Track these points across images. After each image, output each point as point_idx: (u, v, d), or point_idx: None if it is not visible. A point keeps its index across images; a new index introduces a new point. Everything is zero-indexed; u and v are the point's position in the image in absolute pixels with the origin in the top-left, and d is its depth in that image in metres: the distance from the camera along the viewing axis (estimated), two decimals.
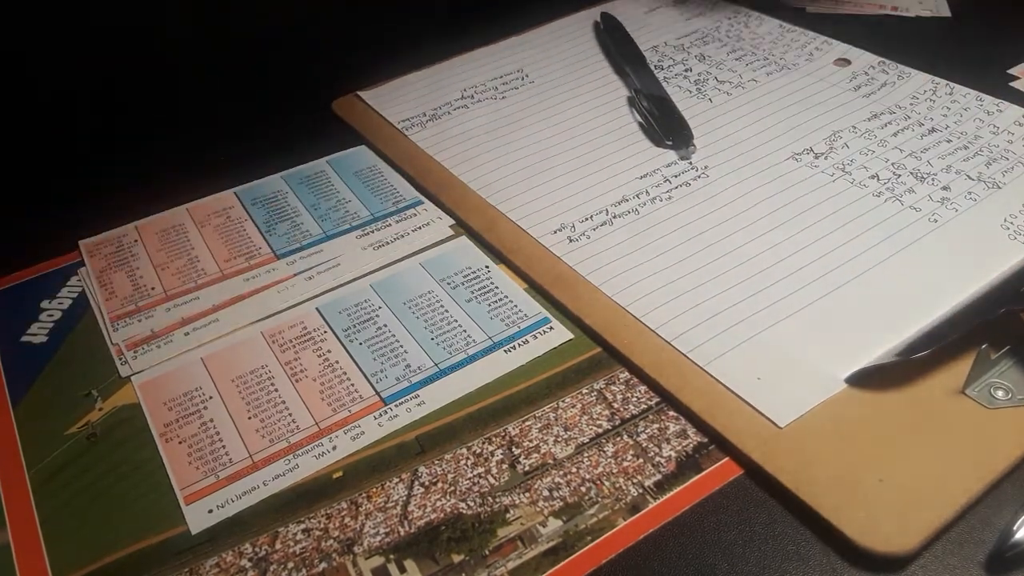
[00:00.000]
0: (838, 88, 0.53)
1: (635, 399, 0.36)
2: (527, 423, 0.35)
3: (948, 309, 0.37)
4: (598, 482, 0.33)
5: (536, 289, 0.41)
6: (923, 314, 0.37)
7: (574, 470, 0.33)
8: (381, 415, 0.36)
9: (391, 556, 0.31)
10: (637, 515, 0.31)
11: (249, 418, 0.36)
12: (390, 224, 0.46)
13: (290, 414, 0.36)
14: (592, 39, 0.61)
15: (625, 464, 0.33)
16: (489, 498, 0.32)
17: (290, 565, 0.31)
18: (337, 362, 0.38)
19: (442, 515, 0.32)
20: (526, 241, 0.43)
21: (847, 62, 0.55)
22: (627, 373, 0.37)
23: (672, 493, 0.32)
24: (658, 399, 0.36)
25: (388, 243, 0.45)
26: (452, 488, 0.33)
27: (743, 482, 0.32)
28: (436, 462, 0.34)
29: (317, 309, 0.41)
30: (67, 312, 0.42)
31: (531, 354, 0.38)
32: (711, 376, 0.35)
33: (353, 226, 0.46)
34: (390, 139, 0.52)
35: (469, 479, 0.33)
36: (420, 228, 0.46)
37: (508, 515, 0.32)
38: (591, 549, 0.30)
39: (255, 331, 0.40)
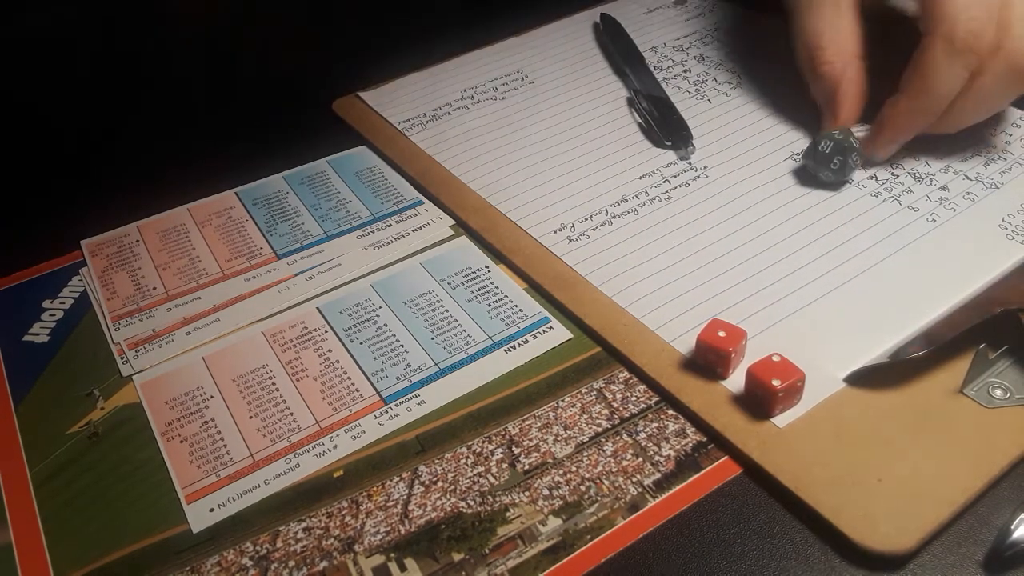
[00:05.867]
0: None
1: (634, 398, 0.36)
2: (527, 422, 0.35)
3: (946, 309, 0.37)
4: (598, 481, 0.33)
5: (536, 289, 0.41)
6: (921, 314, 0.37)
7: (574, 469, 0.33)
8: (382, 414, 0.36)
9: (392, 555, 0.31)
10: (636, 514, 0.31)
11: (250, 417, 0.36)
12: (390, 224, 0.46)
13: (291, 413, 0.36)
14: (592, 40, 0.61)
15: (624, 463, 0.33)
16: (489, 497, 0.33)
17: (291, 564, 0.31)
18: (338, 361, 0.38)
19: (442, 514, 0.32)
20: (526, 241, 0.43)
21: None
22: (626, 373, 0.37)
23: (671, 492, 0.32)
24: (657, 398, 0.36)
25: (388, 243, 0.45)
26: (452, 487, 0.33)
27: (742, 481, 0.32)
28: (436, 461, 0.34)
29: (318, 309, 0.41)
30: (69, 312, 0.42)
31: (531, 354, 0.38)
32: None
33: (354, 226, 0.46)
34: (390, 139, 0.52)
35: (469, 478, 0.33)
36: (420, 228, 0.46)
37: (508, 514, 0.32)
38: (591, 548, 0.31)
39: (256, 331, 0.40)
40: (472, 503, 0.32)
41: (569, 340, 0.39)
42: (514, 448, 0.34)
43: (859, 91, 0.44)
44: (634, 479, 0.33)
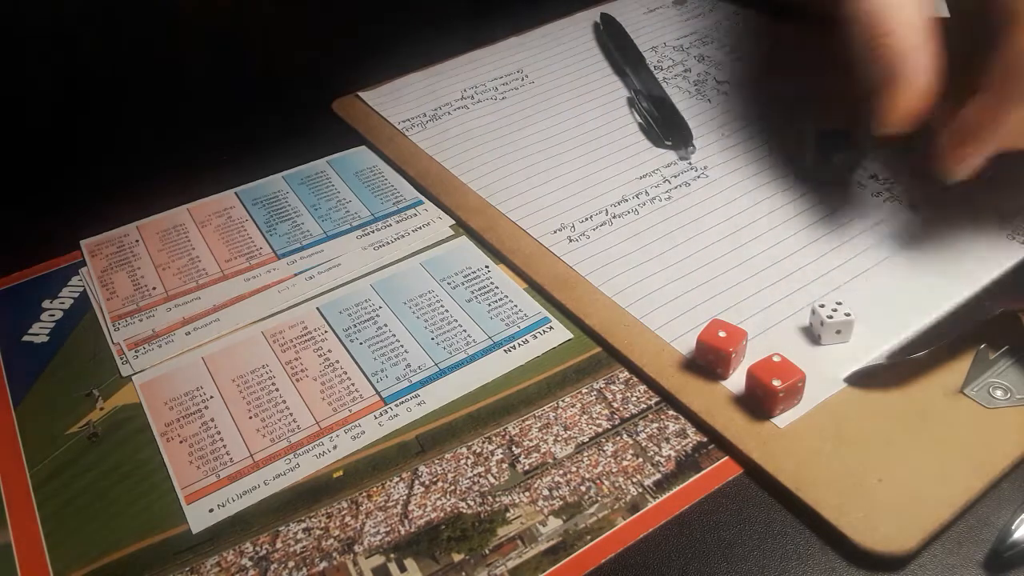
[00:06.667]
0: None
1: (635, 399, 0.36)
2: (527, 422, 0.35)
3: (946, 309, 0.37)
4: (598, 481, 0.33)
5: (536, 289, 0.41)
6: (922, 314, 0.37)
7: (574, 469, 0.33)
8: (381, 414, 0.36)
9: (391, 555, 0.31)
10: (636, 514, 0.31)
11: (250, 417, 0.36)
12: (390, 224, 0.46)
13: (291, 413, 0.36)
14: (592, 40, 0.61)
15: (625, 463, 0.33)
16: (489, 497, 0.32)
17: (291, 564, 0.31)
18: (337, 362, 0.38)
19: (442, 514, 0.32)
20: (526, 241, 0.43)
21: None
22: (627, 373, 0.37)
23: (671, 492, 0.32)
24: (658, 399, 0.36)
25: (388, 243, 0.45)
26: (452, 487, 0.33)
27: (742, 481, 0.32)
28: (436, 461, 0.34)
29: (318, 309, 0.41)
30: (68, 312, 0.42)
31: (531, 354, 0.38)
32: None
33: (353, 226, 0.46)
34: (390, 139, 0.52)
35: (469, 478, 0.33)
36: (420, 228, 0.46)
37: (508, 514, 0.32)
38: (591, 548, 0.31)
39: (256, 331, 0.40)
40: (472, 503, 0.32)
41: (569, 340, 0.39)
42: (514, 448, 0.34)
43: (930, 69, 0.34)
44: (634, 479, 0.33)
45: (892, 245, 0.41)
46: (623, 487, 0.32)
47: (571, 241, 0.43)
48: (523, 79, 0.56)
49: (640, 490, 0.32)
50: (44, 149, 0.55)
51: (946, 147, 0.35)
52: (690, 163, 0.47)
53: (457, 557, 0.31)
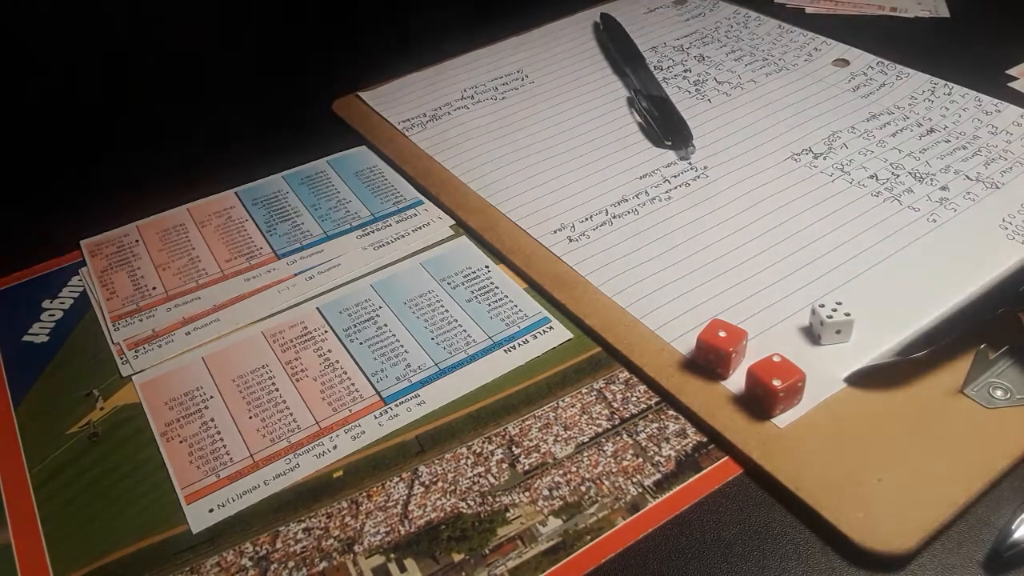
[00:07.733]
0: (837, 88, 0.53)
1: (635, 399, 0.36)
2: (527, 423, 0.35)
3: (947, 309, 0.37)
4: (598, 481, 0.33)
5: (536, 289, 0.41)
6: (922, 314, 0.37)
7: (574, 469, 0.33)
8: (381, 414, 0.36)
9: (391, 555, 0.31)
10: (637, 514, 0.31)
11: (250, 417, 0.36)
12: (390, 224, 0.46)
13: (291, 413, 0.36)
14: (592, 39, 0.61)
15: (625, 463, 0.33)
16: (489, 497, 0.32)
17: (291, 564, 0.31)
18: (337, 362, 0.38)
19: (442, 514, 0.32)
20: (526, 241, 0.43)
21: (846, 62, 0.55)
22: (627, 373, 0.37)
23: (671, 492, 0.32)
24: (658, 399, 0.36)
25: (388, 243, 0.45)
26: (452, 487, 0.33)
27: (742, 481, 0.32)
28: (436, 461, 0.34)
29: (318, 309, 0.41)
30: (68, 312, 0.42)
31: (531, 354, 0.38)
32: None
33: (353, 226, 0.46)
34: (390, 139, 0.52)
35: (469, 478, 0.33)
36: (420, 228, 0.46)
37: (508, 514, 0.32)
38: (591, 548, 0.31)
39: (256, 331, 0.40)
40: (472, 503, 0.32)
41: (569, 340, 0.39)
42: (514, 448, 0.34)
43: None
44: (634, 479, 0.33)
45: (892, 245, 0.41)
46: (623, 487, 0.32)
47: (571, 241, 0.43)
48: (523, 79, 0.56)
49: (640, 490, 0.32)
50: (44, 149, 0.55)
51: None
52: (690, 163, 0.47)
53: (457, 557, 0.31)
